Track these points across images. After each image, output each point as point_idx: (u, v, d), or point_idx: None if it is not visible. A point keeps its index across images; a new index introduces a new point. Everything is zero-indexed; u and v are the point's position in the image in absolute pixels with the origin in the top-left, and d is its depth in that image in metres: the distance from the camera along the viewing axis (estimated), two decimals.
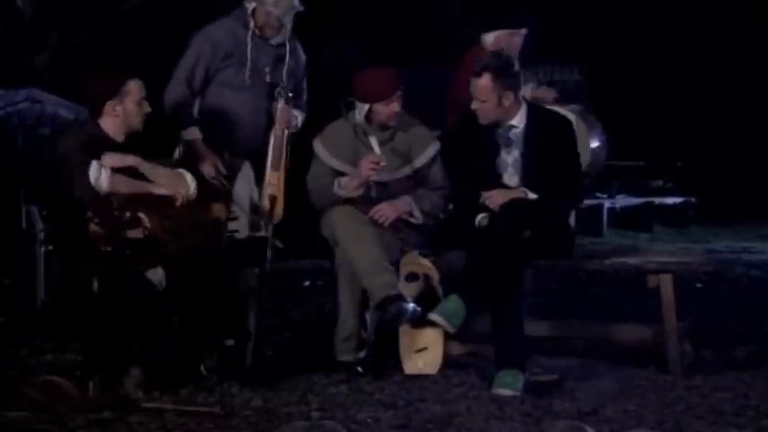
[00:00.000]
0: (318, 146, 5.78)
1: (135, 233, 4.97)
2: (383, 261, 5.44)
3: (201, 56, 5.86)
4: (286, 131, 5.85)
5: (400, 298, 5.34)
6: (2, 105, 8.55)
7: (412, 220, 5.70)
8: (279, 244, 5.54)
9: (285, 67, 5.95)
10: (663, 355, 5.46)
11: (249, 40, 5.86)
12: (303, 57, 6.11)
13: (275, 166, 5.81)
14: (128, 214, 4.97)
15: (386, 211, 5.60)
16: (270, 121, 5.90)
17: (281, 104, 5.84)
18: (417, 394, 5.07)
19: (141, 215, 4.99)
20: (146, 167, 5.19)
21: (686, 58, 14.25)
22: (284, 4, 5.85)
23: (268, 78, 5.92)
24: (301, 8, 5.92)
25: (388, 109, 5.65)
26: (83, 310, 5.03)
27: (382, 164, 5.59)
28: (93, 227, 4.94)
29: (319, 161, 5.76)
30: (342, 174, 5.70)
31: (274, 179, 5.78)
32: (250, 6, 5.89)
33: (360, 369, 5.41)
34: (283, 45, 5.96)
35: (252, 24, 5.88)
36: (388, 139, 5.74)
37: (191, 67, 5.88)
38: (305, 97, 6.14)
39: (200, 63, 5.87)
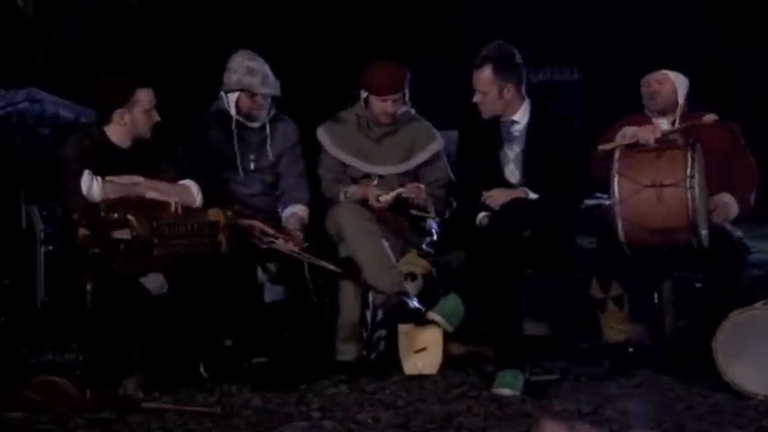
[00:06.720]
0: (322, 134, 5.78)
1: (122, 233, 4.92)
2: (389, 259, 5.44)
3: None
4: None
5: (404, 296, 5.35)
6: (2, 105, 8.57)
7: (425, 215, 5.68)
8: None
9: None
10: (663, 355, 5.46)
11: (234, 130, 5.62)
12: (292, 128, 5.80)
13: None
14: (115, 215, 4.94)
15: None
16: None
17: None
18: (417, 394, 5.07)
19: (129, 216, 4.94)
20: (146, 185, 5.14)
21: (684, 58, 14.22)
22: (271, 81, 5.61)
23: (252, 166, 5.68)
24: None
25: (382, 105, 5.65)
26: (79, 313, 5.03)
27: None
28: (81, 230, 4.93)
29: (324, 151, 5.76)
30: (344, 164, 5.73)
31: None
32: (232, 97, 5.61)
33: (360, 369, 5.41)
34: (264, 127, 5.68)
35: (234, 113, 5.62)
36: (390, 132, 5.74)
37: None
38: (304, 180, 5.77)
39: None
